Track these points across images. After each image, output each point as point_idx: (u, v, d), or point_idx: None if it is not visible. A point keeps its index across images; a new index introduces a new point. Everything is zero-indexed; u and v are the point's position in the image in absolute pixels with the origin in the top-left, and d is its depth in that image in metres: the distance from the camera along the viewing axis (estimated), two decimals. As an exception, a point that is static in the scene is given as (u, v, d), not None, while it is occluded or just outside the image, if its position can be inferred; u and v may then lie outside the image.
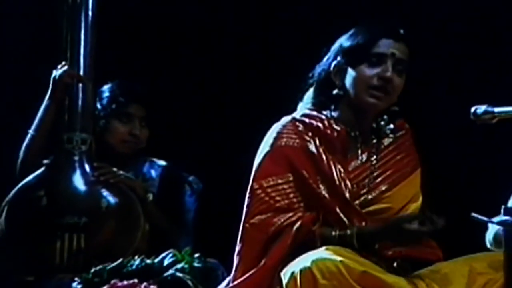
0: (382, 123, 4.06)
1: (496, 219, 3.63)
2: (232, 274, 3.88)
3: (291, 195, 3.90)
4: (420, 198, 4.06)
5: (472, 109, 3.74)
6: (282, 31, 5.91)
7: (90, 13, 4.81)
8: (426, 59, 5.70)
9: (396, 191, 4.01)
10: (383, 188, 4.00)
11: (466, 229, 4.32)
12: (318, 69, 4.05)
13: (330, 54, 4.03)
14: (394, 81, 3.91)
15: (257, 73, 5.76)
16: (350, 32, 4.02)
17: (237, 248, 3.89)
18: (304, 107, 4.03)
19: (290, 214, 3.85)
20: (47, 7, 4.99)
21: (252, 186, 3.91)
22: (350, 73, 3.96)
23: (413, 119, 4.15)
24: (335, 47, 4.04)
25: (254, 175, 3.92)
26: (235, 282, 3.83)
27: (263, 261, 3.83)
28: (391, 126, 4.05)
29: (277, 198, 3.89)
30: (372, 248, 3.82)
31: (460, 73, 5.82)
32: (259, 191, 3.90)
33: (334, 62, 3.98)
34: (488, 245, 4.77)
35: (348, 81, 3.96)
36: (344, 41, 4.02)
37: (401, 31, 3.99)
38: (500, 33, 6.00)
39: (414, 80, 4.54)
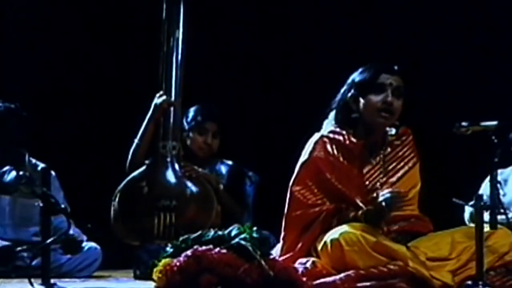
0: (391, 133, 4.03)
1: (470, 203, 3.69)
2: (279, 253, 3.89)
3: (318, 194, 3.88)
4: (419, 184, 4.03)
5: (455, 124, 3.77)
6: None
7: (179, 56, 4.84)
8: (424, 86, 5.86)
9: (402, 182, 3.97)
10: (393, 180, 3.96)
11: (450, 210, 4.50)
12: (338, 97, 4.03)
13: (346, 86, 4.01)
14: (394, 104, 3.93)
15: (299, 99, 5.75)
16: (360, 70, 4.01)
17: (282, 235, 3.93)
18: (329, 125, 4.01)
19: (317, 209, 3.86)
20: (148, 54, 5.05)
21: (291, 188, 3.91)
22: (362, 101, 3.95)
23: (416, 128, 4.12)
24: (349, 81, 4.02)
25: (294, 180, 3.92)
26: (281, 258, 3.82)
27: (299, 245, 3.86)
28: (393, 131, 4.02)
29: (308, 197, 3.88)
30: (378, 224, 3.80)
31: (446, 96, 5.79)
32: (296, 193, 3.89)
33: (350, 94, 3.97)
34: (466, 221, 4.94)
35: (362, 107, 3.95)
36: (355, 77, 4.00)
37: (396, 67, 3.99)
38: (475, 62, 5.98)
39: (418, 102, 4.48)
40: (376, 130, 3.99)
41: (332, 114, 4.03)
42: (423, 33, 6.07)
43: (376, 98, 3.93)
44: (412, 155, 4.05)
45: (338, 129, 3.97)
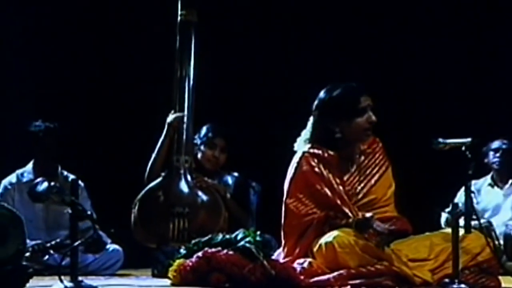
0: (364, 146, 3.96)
1: (447, 210, 3.69)
2: (280, 257, 3.87)
3: (309, 204, 3.84)
4: (393, 185, 3.96)
5: (432, 140, 3.76)
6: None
7: (191, 82, 4.87)
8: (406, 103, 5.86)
9: (379, 184, 3.94)
10: (371, 183, 3.92)
11: (429, 217, 4.55)
12: (313, 120, 3.92)
13: (321, 110, 3.89)
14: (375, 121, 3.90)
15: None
16: (332, 93, 3.88)
17: (282, 241, 3.91)
18: (301, 144, 3.93)
19: (309, 218, 3.83)
20: (166, 80, 5.04)
21: (285, 202, 3.88)
22: (347, 123, 3.86)
23: (398, 145, 4.14)
24: (321, 104, 3.89)
25: (286, 194, 3.88)
26: (282, 261, 3.80)
27: (297, 250, 3.84)
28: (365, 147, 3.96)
29: (300, 208, 3.84)
30: (365, 231, 3.77)
31: (424, 114, 5.80)
32: (289, 206, 3.85)
33: (331, 119, 3.87)
34: (442, 225, 4.94)
35: (345, 129, 3.87)
36: (330, 101, 3.87)
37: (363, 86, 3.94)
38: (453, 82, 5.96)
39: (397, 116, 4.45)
40: (355, 144, 3.94)
41: (304, 135, 3.96)
42: (403, 52, 6.08)
43: (361, 120, 3.87)
44: (383, 160, 4.00)
45: (315, 146, 3.91)
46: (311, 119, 3.97)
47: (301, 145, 3.95)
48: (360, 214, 3.81)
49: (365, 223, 3.77)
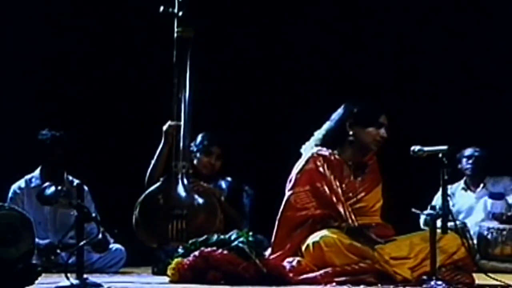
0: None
1: (425, 212, 3.72)
2: (270, 250, 3.89)
3: (307, 200, 3.88)
4: (381, 200, 4.06)
5: (411, 148, 3.79)
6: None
7: (187, 92, 4.82)
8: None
9: (370, 196, 4.02)
10: (363, 194, 3.99)
11: (409, 218, 4.38)
12: (335, 119, 4.00)
13: (344, 114, 4.00)
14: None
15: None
16: (360, 104, 4.02)
17: (273, 235, 3.92)
18: (315, 142, 4.00)
19: (303, 213, 3.86)
20: (165, 92, 4.99)
21: (287, 194, 3.91)
22: (361, 130, 3.96)
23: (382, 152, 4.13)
24: (346, 110, 4.00)
25: (290, 187, 3.92)
26: (272, 256, 3.84)
27: (288, 245, 3.85)
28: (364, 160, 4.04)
29: (297, 201, 3.88)
30: (355, 237, 3.82)
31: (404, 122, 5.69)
32: (289, 198, 3.90)
33: (350, 121, 3.96)
34: (421, 226, 4.94)
35: (360, 134, 3.96)
36: (355, 109, 3.98)
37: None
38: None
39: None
40: (362, 153, 3.99)
41: (319, 133, 4.03)
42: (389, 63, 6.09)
43: (375, 132, 3.96)
44: (377, 176, 4.08)
45: (325, 148, 3.97)
46: (326, 124, 4.02)
47: (308, 149, 4.00)
48: (352, 216, 3.85)
49: (356, 231, 3.82)
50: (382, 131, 3.96)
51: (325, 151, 3.95)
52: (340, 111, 4.02)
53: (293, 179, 3.91)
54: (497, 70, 5.99)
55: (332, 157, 3.94)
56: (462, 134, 5.80)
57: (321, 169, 3.89)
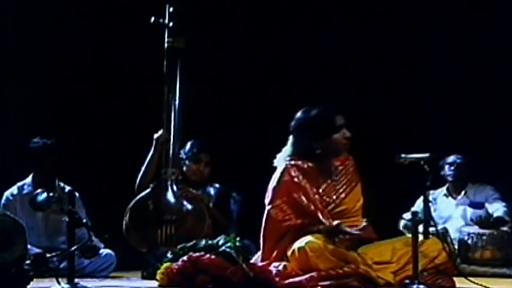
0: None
1: (404, 215, 3.97)
2: (259, 259, 3.91)
3: (288, 211, 3.88)
4: (362, 199, 4.02)
5: (396, 156, 3.82)
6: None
7: (177, 102, 4.82)
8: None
9: (349, 197, 3.99)
10: (342, 196, 3.98)
11: (392, 223, 4.60)
12: (297, 136, 3.96)
13: (300, 131, 3.95)
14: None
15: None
16: (313, 116, 3.95)
17: (261, 244, 3.93)
18: (284, 158, 3.97)
19: (286, 224, 3.87)
20: (155, 100, 5.01)
21: (267, 208, 3.92)
22: (325, 141, 3.94)
23: (364, 159, 4.12)
24: (300, 125, 3.96)
25: (268, 201, 3.92)
26: (259, 264, 3.85)
27: (274, 253, 3.87)
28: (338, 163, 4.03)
29: (278, 214, 3.88)
30: (334, 236, 3.84)
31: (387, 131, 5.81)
32: (270, 212, 3.90)
33: (311, 138, 3.93)
34: (401, 229, 4.98)
35: (325, 145, 3.94)
36: (311, 124, 3.94)
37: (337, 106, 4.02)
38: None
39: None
40: (333, 158, 3.99)
41: (284, 152, 3.99)
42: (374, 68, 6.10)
43: (338, 136, 3.94)
44: (355, 176, 4.05)
45: (298, 159, 3.95)
46: (291, 138, 3.98)
47: (280, 161, 3.97)
48: (333, 223, 3.84)
49: (333, 230, 3.83)
50: (344, 131, 3.92)
51: (298, 160, 3.92)
52: (297, 125, 3.95)
53: (270, 193, 3.91)
54: (480, 79, 6.00)
55: (306, 165, 3.91)
56: (446, 142, 5.80)
57: (296, 179, 3.87)
